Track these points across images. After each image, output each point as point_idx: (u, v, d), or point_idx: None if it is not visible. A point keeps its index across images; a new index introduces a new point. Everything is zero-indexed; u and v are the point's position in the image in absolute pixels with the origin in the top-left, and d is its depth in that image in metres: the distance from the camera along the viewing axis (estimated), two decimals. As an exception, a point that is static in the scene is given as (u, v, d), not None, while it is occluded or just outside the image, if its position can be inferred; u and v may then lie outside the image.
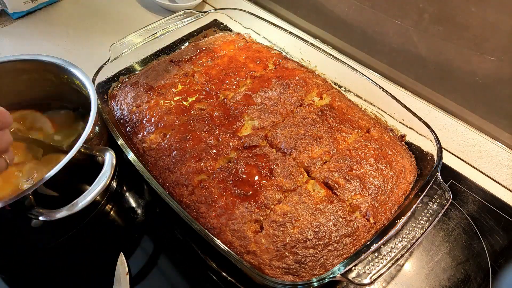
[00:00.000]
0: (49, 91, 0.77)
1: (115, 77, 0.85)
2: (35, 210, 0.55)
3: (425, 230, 0.59)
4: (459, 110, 0.93)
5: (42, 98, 0.78)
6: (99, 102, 0.68)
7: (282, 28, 0.93)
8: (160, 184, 0.66)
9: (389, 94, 0.77)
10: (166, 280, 0.66)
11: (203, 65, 0.88)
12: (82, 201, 0.55)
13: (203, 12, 0.98)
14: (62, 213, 0.54)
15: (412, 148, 0.76)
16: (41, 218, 0.54)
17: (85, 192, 0.55)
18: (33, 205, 0.55)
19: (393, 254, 0.57)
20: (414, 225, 0.60)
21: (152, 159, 0.71)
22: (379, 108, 0.81)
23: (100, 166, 0.59)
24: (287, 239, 0.59)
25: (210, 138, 0.72)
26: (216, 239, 0.58)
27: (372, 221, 0.64)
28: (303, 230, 0.60)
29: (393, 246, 0.58)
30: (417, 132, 0.74)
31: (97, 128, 0.66)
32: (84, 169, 0.63)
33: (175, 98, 0.80)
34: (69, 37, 1.08)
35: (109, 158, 0.59)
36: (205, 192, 0.65)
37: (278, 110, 0.77)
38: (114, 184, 0.78)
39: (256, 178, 0.66)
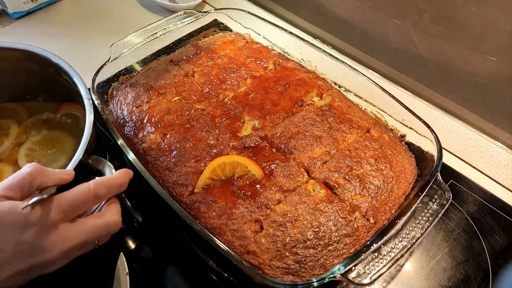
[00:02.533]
0: (32, 83, 0.73)
1: (115, 77, 0.85)
2: None
3: (425, 230, 0.59)
4: (459, 110, 0.93)
5: (24, 91, 0.74)
6: (98, 103, 0.67)
7: (282, 28, 0.93)
8: (160, 184, 0.66)
9: (389, 94, 0.77)
10: (166, 280, 0.66)
11: (203, 65, 0.88)
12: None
13: (203, 12, 0.98)
14: None
15: (412, 148, 0.76)
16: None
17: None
18: None
19: (393, 254, 0.57)
20: (414, 225, 0.60)
21: (152, 159, 0.71)
22: (379, 108, 0.81)
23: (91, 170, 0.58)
24: (287, 239, 0.59)
25: (210, 138, 0.72)
26: (216, 239, 0.58)
27: (372, 221, 0.64)
28: (303, 230, 0.60)
29: (393, 246, 0.58)
30: (417, 132, 0.74)
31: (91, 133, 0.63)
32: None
33: (175, 98, 0.80)
34: (69, 37, 1.08)
35: (106, 169, 0.59)
36: (205, 192, 0.65)
37: (278, 110, 0.77)
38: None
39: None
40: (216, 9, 1.00)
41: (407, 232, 0.60)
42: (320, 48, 0.88)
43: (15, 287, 0.50)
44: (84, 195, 0.51)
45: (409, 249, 0.58)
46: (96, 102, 0.73)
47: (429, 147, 0.71)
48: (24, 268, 0.47)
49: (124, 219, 0.73)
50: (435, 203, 0.63)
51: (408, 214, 0.60)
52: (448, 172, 0.82)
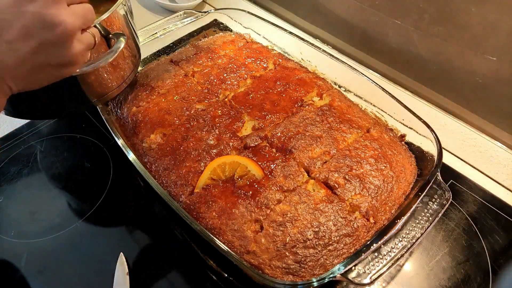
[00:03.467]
0: None
1: (115, 77, 0.85)
2: None
3: (425, 230, 0.59)
4: (459, 110, 0.93)
5: None
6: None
7: (282, 28, 0.93)
8: (160, 184, 0.66)
9: (389, 94, 0.77)
10: (166, 280, 0.66)
11: (203, 65, 0.88)
12: (81, 68, 0.58)
13: (203, 12, 0.98)
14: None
15: (412, 148, 0.76)
16: None
17: (86, 63, 0.58)
18: None
19: (393, 254, 0.57)
20: (414, 225, 0.60)
21: (152, 159, 0.71)
22: (379, 108, 0.81)
23: None
24: (287, 239, 0.59)
25: (210, 138, 0.72)
26: (216, 239, 0.58)
27: (372, 221, 0.64)
28: (303, 230, 0.60)
29: (393, 246, 0.58)
30: (417, 132, 0.74)
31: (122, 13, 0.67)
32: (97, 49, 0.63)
33: (175, 98, 0.80)
34: (69, 37, 1.08)
35: (119, 42, 0.63)
36: (205, 192, 0.65)
37: (278, 110, 0.77)
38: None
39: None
40: (216, 9, 1.00)
41: (407, 232, 0.60)
42: (320, 48, 0.88)
43: (46, 82, 0.50)
44: None
45: (409, 249, 0.58)
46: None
47: (429, 147, 0.71)
48: (39, 45, 0.45)
49: (125, 219, 0.74)
50: (435, 203, 0.63)
51: (408, 214, 0.60)
52: (448, 172, 0.82)
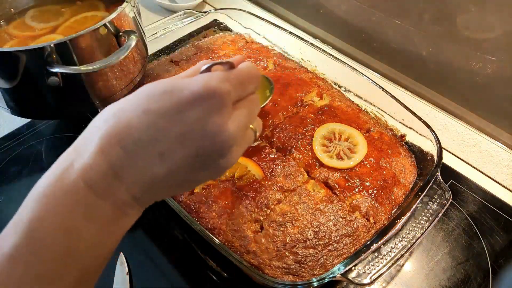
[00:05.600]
0: None
1: (115, 77, 0.85)
2: (54, 64, 0.58)
3: (425, 230, 0.59)
4: (459, 110, 0.93)
5: None
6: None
7: (282, 28, 0.93)
8: (160, 184, 0.66)
9: (389, 94, 0.77)
10: (166, 280, 0.66)
11: (203, 65, 0.87)
12: (93, 65, 0.58)
13: (203, 12, 0.98)
14: (75, 68, 0.58)
15: (412, 148, 0.76)
16: (56, 69, 0.57)
17: (98, 61, 0.58)
18: (53, 60, 0.58)
19: (393, 254, 0.57)
20: (414, 225, 0.60)
21: (152, 159, 0.71)
22: (379, 108, 0.81)
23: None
24: (287, 239, 0.59)
25: (210, 138, 0.72)
26: (216, 239, 0.58)
27: (372, 221, 0.64)
28: (303, 230, 0.60)
29: (393, 246, 0.58)
30: (417, 132, 0.74)
31: (131, 13, 0.67)
32: (106, 48, 0.64)
33: (175, 98, 0.79)
34: (69, 37, 1.08)
35: (130, 39, 0.62)
36: (205, 192, 0.65)
37: (278, 110, 0.77)
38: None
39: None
40: (216, 9, 1.00)
41: (407, 232, 0.60)
42: (320, 48, 0.88)
43: (189, 188, 0.45)
44: (254, 69, 0.41)
45: (409, 249, 0.58)
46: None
47: (429, 147, 0.71)
48: (195, 154, 0.37)
49: (124, 219, 0.74)
50: (435, 203, 0.63)
51: (408, 214, 0.60)
52: (448, 172, 0.82)
